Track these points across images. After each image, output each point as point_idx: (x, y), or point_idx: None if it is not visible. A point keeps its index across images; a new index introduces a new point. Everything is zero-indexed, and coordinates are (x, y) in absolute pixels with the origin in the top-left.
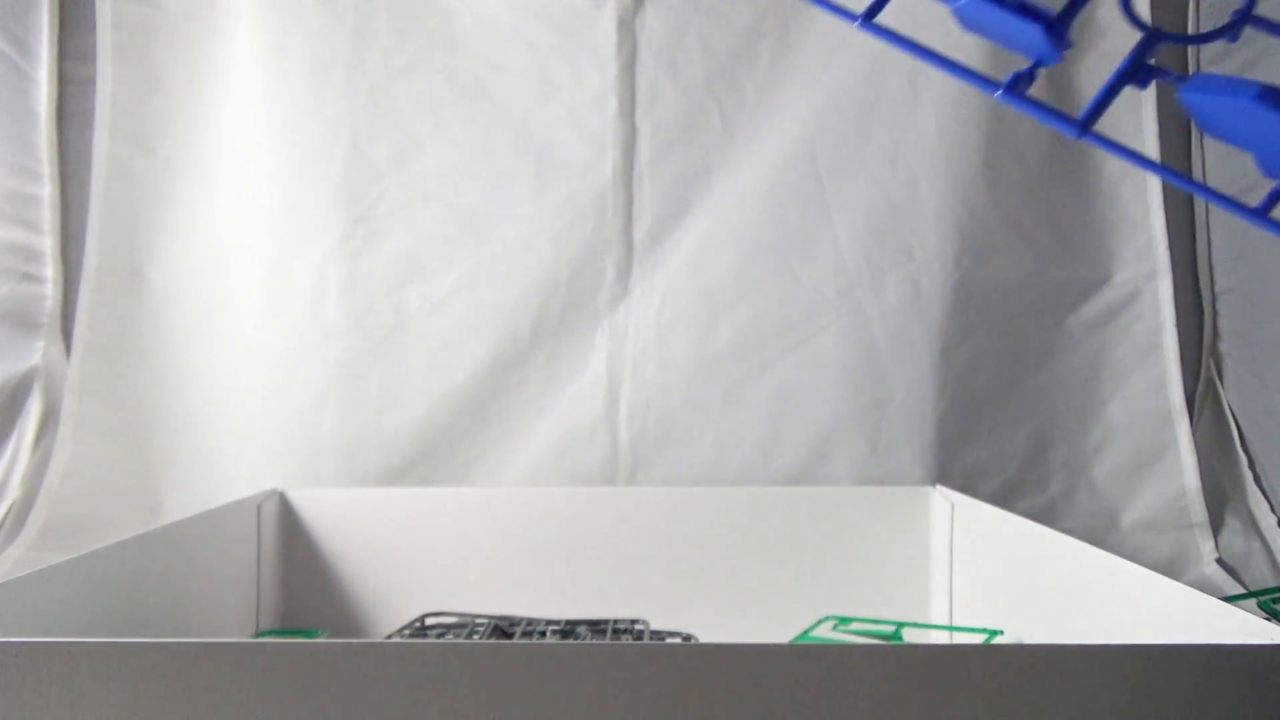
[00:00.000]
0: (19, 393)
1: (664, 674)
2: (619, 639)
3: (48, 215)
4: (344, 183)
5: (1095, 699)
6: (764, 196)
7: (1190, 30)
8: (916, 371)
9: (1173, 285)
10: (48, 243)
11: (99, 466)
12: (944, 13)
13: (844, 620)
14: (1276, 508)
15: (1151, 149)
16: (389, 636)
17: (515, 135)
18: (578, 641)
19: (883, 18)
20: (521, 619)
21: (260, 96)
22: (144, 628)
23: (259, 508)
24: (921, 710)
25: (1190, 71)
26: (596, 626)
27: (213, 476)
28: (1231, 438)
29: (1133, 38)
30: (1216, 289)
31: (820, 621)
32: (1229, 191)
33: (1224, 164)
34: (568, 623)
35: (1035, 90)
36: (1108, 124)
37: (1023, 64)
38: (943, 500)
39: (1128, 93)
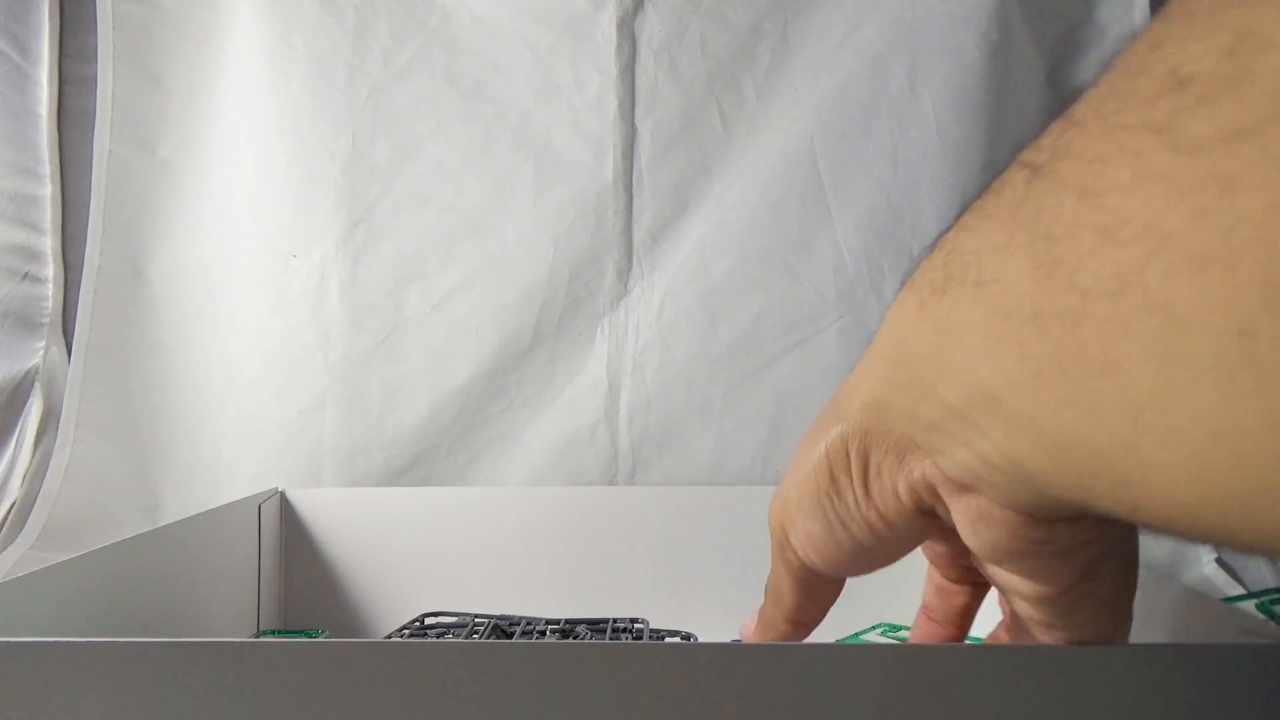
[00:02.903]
0: (19, 393)
1: (664, 674)
2: (619, 638)
3: (48, 215)
4: (344, 183)
5: (1095, 699)
6: (764, 196)
7: None
8: None
9: None
10: (48, 243)
11: (99, 466)
12: (943, 12)
13: (893, 628)
14: None
15: None
16: (389, 636)
17: (515, 135)
18: (578, 641)
19: (883, 18)
20: (521, 619)
21: (260, 96)
22: (144, 628)
23: (259, 508)
24: (922, 710)
25: None
26: (596, 626)
27: (213, 476)
28: None
29: (1132, 40)
30: None
31: (873, 628)
32: None
33: None
34: (568, 622)
35: (1034, 93)
36: None
37: (1031, 61)
38: None
39: None
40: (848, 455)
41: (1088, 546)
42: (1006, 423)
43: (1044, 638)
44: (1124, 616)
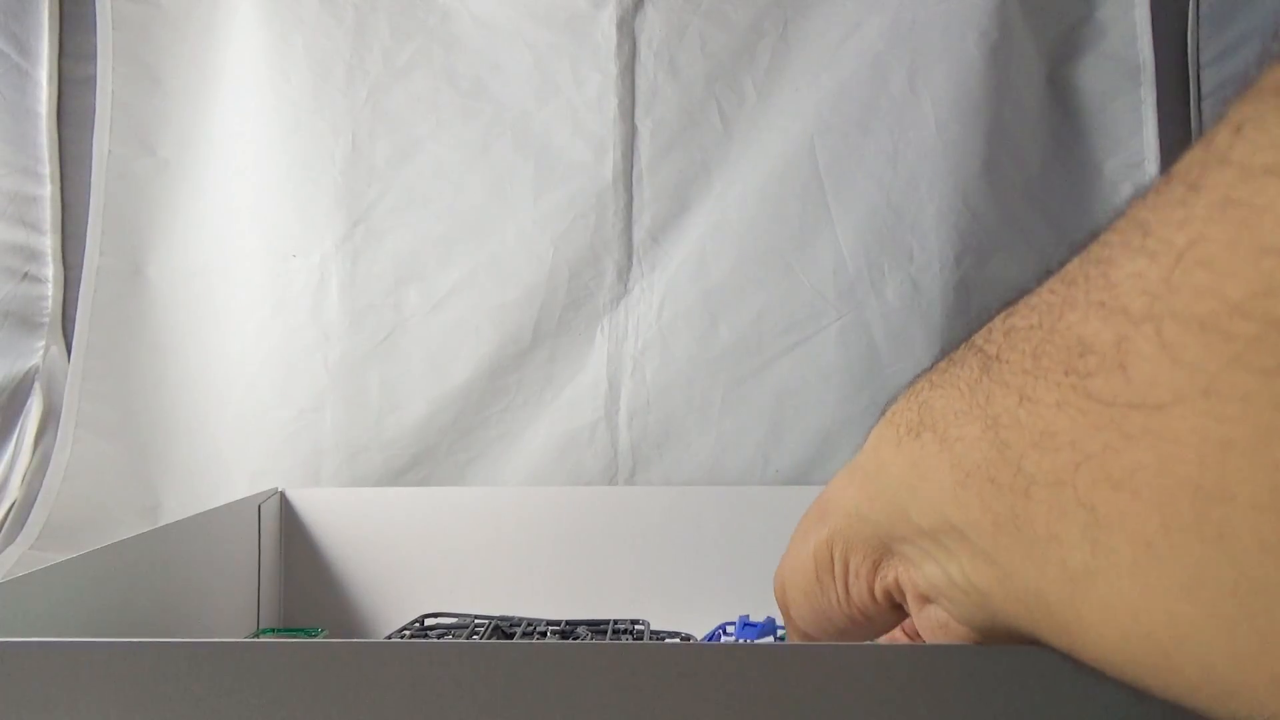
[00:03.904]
0: (19, 393)
1: (664, 674)
2: (619, 639)
3: (48, 215)
4: (344, 183)
5: (1095, 699)
6: (764, 196)
7: (1190, 31)
8: (917, 371)
9: None
10: (48, 243)
11: (99, 466)
12: (942, 12)
13: None
14: None
15: (1151, 149)
16: (389, 638)
17: (515, 135)
18: (578, 641)
19: (883, 18)
20: (521, 619)
21: (260, 96)
22: (144, 628)
23: (259, 508)
24: (922, 710)
25: (1190, 75)
26: (596, 626)
27: (213, 476)
28: None
29: (1132, 40)
30: None
31: None
32: None
33: None
34: (568, 623)
35: (1034, 93)
36: (1107, 124)
37: (1031, 61)
38: None
39: (1128, 92)
40: (831, 558)
41: None
42: (971, 554)
43: None
44: None
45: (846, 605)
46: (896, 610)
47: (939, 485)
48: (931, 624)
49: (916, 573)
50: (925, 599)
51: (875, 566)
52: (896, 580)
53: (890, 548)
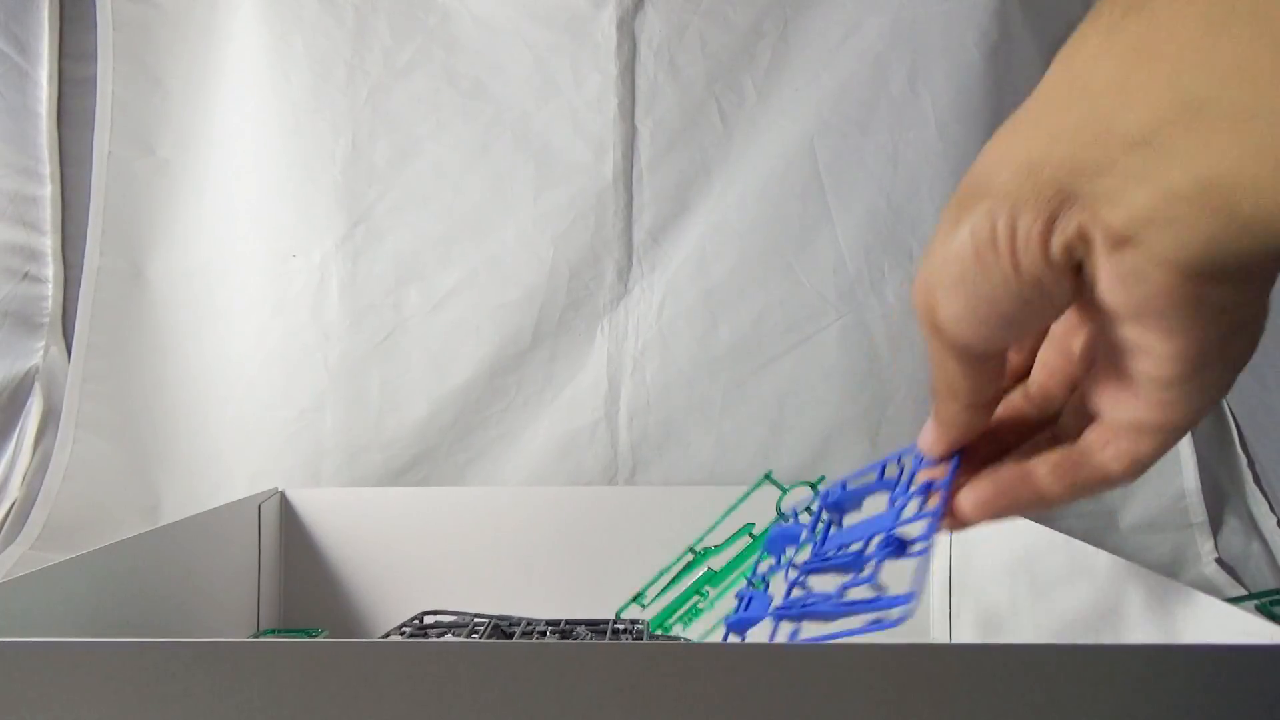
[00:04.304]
0: (19, 393)
1: (664, 674)
2: (619, 638)
3: (48, 215)
4: (344, 183)
5: (1096, 699)
6: (764, 196)
7: None
8: (916, 371)
9: None
10: (48, 243)
11: (99, 466)
12: (943, 12)
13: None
14: (1276, 508)
15: None
16: (387, 634)
17: (515, 135)
18: (578, 641)
19: (883, 17)
20: (521, 619)
21: (260, 96)
22: (144, 628)
23: (259, 508)
24: (921, 710)
25: None
26: (596, 626)
27: (213, 476)
28: (1231, 438)
29: None
30: None
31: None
32: None
33: None
34: (567, 622)
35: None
36: None
37: (1031, 61)
38: None
39: None
40: (993, 230)
41: (1234, 310)
42: (1210, 134)
43: (1157, 396)
44: (1231, 383)
45: (1015, 280)
46: (1074, 274)
47: (1173, 52)
48: (1123, 273)
49: (1113, 210)
50: (1122, 240)
51: (1051, 222)
52: (1080, 229)
53: (1074, 193)
